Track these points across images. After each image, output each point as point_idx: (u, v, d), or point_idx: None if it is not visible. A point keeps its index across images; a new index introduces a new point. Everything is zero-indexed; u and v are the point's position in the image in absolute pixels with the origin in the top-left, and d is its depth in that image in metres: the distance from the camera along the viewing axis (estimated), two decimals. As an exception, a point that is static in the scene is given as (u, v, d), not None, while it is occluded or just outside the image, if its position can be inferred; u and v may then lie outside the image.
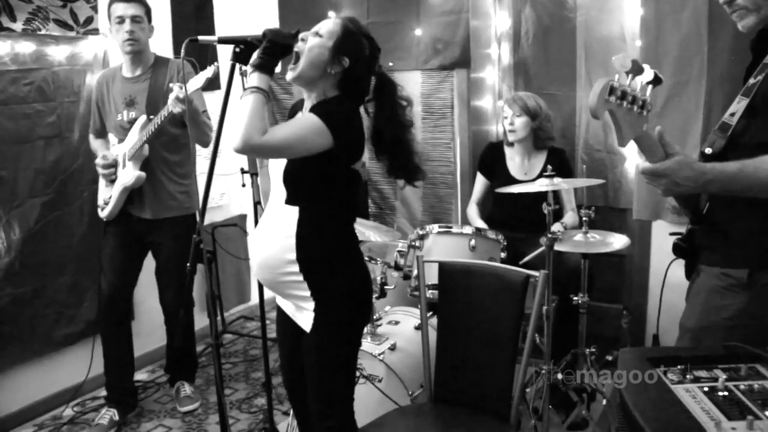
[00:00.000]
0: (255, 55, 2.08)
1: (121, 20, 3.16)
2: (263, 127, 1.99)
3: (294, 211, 2.09)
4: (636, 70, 1.58)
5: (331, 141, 2.01)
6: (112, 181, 3.32)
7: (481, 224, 3.71)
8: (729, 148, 1.84)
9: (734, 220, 1.85)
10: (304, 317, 2.15)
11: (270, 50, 2.06)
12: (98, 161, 3.34)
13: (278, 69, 2.13)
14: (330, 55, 2.09)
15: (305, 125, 2.03)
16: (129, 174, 3.22)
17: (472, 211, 3.92)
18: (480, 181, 3.96)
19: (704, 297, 1.90)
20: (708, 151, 1.88)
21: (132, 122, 3.25)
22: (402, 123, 2.22)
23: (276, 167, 2.17)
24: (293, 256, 2.08)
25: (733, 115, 1.85)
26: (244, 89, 2.05)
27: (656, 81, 1.64)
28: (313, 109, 2.09)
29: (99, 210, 3.40)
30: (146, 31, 3.28)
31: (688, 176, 1.70)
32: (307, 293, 2.11)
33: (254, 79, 2.05)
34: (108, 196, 3.33)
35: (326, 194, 2.12)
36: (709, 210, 1.93)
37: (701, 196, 1.95)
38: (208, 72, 2.81)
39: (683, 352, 1.65)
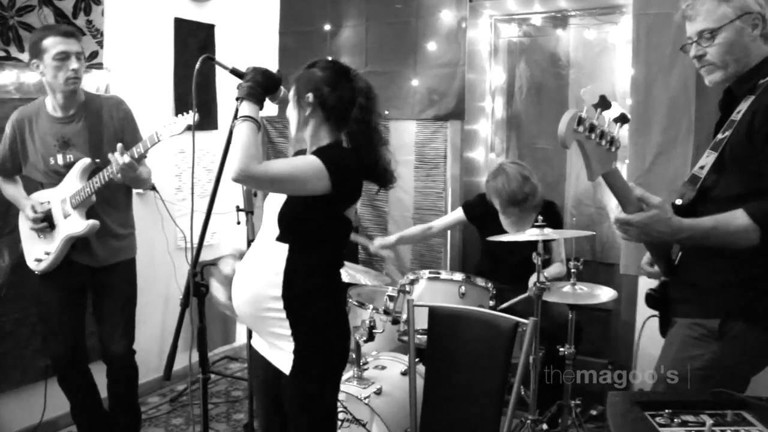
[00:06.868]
0: (243, 85, 2.13)
1: (66, 56, 2.90)
2: (258, 155, 2.03)
3: (284, 249, 2.11)
4: (603, 104, 1.63)
5: (329, 186, 2.04)
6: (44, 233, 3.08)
7: (409, 232, 3.84)
8: (699, 200, 1.92)
9: (706, 272, 1.90)
10: (280, 357, 2.14)
11: (257, 83, 2.12)
12: (30, 215, 3.04)
13: (276, 112, 2.17)
14: (297, 107, 2.17)
15: (306, 164, 2.07)
16: (78, 223, 2.97)
17: (418, 227, 3.91)
18: (456, 216, 3.82)
19: (677, 347, 1.94)
20: (678, 202, 1.96)
21: (69, 166, 3.01)
22: (372, 126, 2.21)
23: (271, 204, 2.20)
24: (279, 292, 2.09)
25: (702, 168, 1.94)
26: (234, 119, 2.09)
27: (623, 119, 1.70)
28: (315, 152, 2.13)
29: (33, 264, 3.12)
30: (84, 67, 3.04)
31: (663, 231, 1.77)
32: (287, 332, 2.10)
33: (244, 108, 2.09)
34: (48, 248, 3.07)
35: (318, 236, 2.14)
36: (681, 261, 1.99)
37: (673, 247, 2.01)
38: (188, 119, 2.68)
39: (670, 397, 1.67)
